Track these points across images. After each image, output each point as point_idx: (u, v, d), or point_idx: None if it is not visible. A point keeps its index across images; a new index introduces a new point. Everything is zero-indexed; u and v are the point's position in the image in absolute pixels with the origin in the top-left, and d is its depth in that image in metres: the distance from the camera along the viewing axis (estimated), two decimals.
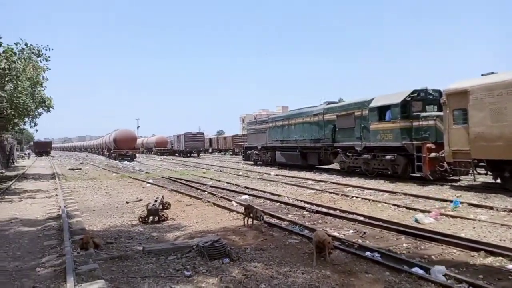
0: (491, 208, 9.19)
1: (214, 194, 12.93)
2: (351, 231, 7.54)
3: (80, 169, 29.48)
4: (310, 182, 16.01)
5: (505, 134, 10.83)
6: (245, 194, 12.83)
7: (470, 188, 12.52)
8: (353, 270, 5.30)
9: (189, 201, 12.04)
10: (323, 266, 5.52)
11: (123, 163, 36.72)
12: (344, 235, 7.24)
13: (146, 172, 24.18)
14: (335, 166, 20.61)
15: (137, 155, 47.41)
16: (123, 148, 41.90)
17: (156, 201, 10.16)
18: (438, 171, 13.97)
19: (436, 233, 6.74)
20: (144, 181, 18.26)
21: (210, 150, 58.92)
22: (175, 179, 18.45)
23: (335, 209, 9.58)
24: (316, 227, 7.57)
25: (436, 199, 10.63)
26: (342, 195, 12.08)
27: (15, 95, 17.27)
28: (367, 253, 5.86)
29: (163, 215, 9.34)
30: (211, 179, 18.36)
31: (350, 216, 8.73)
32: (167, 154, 55.46)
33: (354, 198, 11.47)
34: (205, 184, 15.92)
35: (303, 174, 19.35)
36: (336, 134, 18.92)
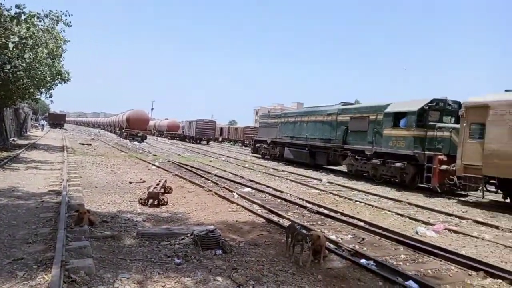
0: (497, 227, 8.90)
1: (217, 184, 12.88)
2: (350, 236, 7.38)
3: (90, 144, 29.81)
4: (315, 181, 15.83)
5: None
6: (249, 187, 12.73)
7: (477, 205, 12.17)
8: (345, 276, 5.17)
9: (192, 188, 12.01)
10: (316, 269, 5.39)
11: (133, 143, 37.03)
12: (341, 239, 7.09)
13: (154, 155, 24.29)
14: (343, 168, 20.37)
15: (148, 137, 47.78)
16: (134, 129, 42.27)
17: (158, 184, 10.16)
18: (447, 184, 13.65)
19: (436, 247, 6.53)
20: (150, 163, 18.34)
21: (220, 139, 58.99)
22: (181, 165, 18.47)
23: (336, 212, 9.41)
24: (315, 228, 7.43)
25: (441, 213, 10.35)
26: (345, 198, 11.89)
27: (33, 65, 17.43)
28: (363, 261, 5.71)
29: (163, 199, 9.32)
30: (217, 168, 18.32)
31: (351, 220, 8.57)
32: (177, 138, 55.77)
33: (357, 202, 11.27)
34: (210, 173, 15.89)
35: (309, 172, 19.16)
36: (348, 136, 18.66)
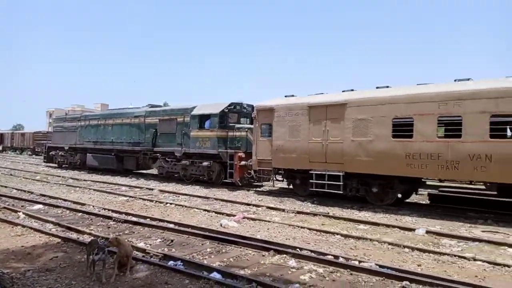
0: (283, 210, 10.67)
1: None
2: (159, 240, 7.27)
3: None
4: (124, 188, 14.96)
5: (298, 148, 12.86)
6: (40, 203, 10.79)
7: (270, 193, 14.30)
8: (153, 283, 5.03)
9: None
10: (122, 282, 5.03)
11: None
12: (150, 245, 6.90)
13: None
14: (154, 171, 20.08)
15: None
16: None
17: None
18: (246, 178, 15.47)
19: (237, 236, 7.25)
20: None
21: (0, 148, 48.15)
22: None
23: (145, 218, 9.13)
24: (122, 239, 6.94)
25: (242, 203, 11.63)
26: (156, 201, 11.72)
27: None
28: (170, 263, 5.71)
29: None
30: None
31: (161, 224, 8.48)
32: None
33: (168, 204, 11.29)
34: None
35: (117, 179, 17.98)
36: (157, 139, 18.53)
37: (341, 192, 11.81)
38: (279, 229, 8.43)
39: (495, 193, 10.66)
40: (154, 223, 8.53)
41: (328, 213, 10.36)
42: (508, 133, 10.37)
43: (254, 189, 15.34)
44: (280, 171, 14.26)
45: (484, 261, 6.11)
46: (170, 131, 17.89)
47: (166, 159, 17.88)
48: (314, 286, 4.99)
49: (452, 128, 10.12)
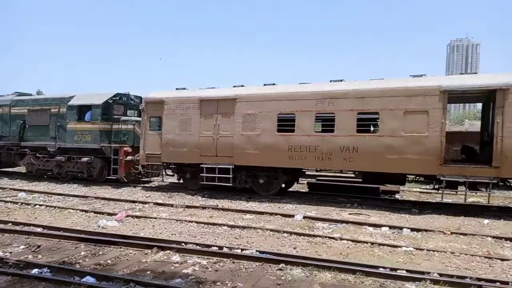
0: (172, 205, 10.42)
1: None
2: (22, 247, 6.34)
3: None
4: None
5: (189, 141, 12.66)
6: None
7: (159, 189, 13.80)
8: None
9: None
10: None
11: None
12: (10, 253, 5.96)
13: None
14: (22, 169, 17.45)
15: None
16: None
17: None
18: (133, 174, 14.63)
19: (117, 235, 6.79)
20: None
21: None
22: None
23: (6, 222, 7.87)
24: None
25: (127, 201, 10.96)
26: (22, 203, 10.21)
27: None
28: (35, 271, 5.02)
29: None
30: None
31: (26, 228, 7.42)
32: None
33: (37, 206, 9.94)
34: None
35: None
36: (26, 132, 16.19)
37: (230, 184, 12.07)
38: (166, 225, 8.18)
39: (361, 180, 12.27)
40: (17, 228, 7.42)
41: (218, 205, 10.49)
42: (371, 128, 12.01)
43: (142, 185, 14.62)
44: (170, 166, 13.86)
45: (348, 240, 6.97)
46: (42, 123, 15.78)
47: (37, 155, 15.72)
48: (197, 278, 4.97)
49: (327, 123, 11.26)
